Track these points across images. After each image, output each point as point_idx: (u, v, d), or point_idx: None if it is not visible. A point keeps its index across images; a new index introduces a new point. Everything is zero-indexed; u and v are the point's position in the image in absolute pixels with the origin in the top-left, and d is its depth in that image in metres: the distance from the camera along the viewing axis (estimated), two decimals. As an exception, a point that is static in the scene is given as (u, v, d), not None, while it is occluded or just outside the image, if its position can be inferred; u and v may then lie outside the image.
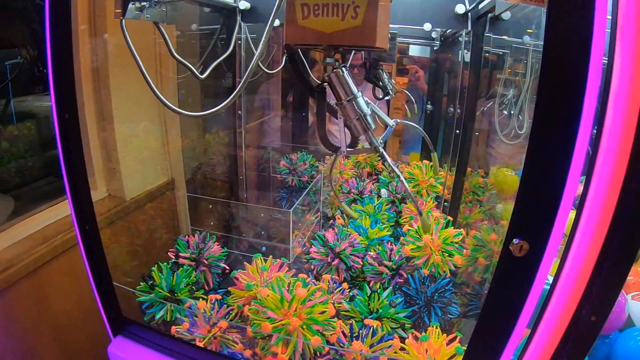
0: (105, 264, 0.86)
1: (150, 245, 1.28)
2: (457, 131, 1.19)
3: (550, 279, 0.55)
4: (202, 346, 0.84)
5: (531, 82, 1.05)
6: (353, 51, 0.77)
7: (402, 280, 0.97)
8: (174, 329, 0.88)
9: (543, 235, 0.51)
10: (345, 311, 0.90)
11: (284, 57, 1.32)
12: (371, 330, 0.82)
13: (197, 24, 1.27)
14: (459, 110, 1.20)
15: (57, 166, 0.78)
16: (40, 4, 0.67)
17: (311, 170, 1.49)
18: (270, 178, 1.57)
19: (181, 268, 1.02)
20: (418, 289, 0.94)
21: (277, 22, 1.03)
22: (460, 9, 1.05)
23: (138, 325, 0.91)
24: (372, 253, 1.04)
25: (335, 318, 0.82)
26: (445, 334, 0.81)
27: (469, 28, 1.06)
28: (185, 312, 0.91)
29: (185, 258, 1.06)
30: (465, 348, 0.63)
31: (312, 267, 1.05)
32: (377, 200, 1.29)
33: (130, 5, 0.71)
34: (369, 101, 0.70)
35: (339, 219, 1.28)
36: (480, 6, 1.01)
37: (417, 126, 0.94)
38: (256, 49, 0.65)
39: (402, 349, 0.81)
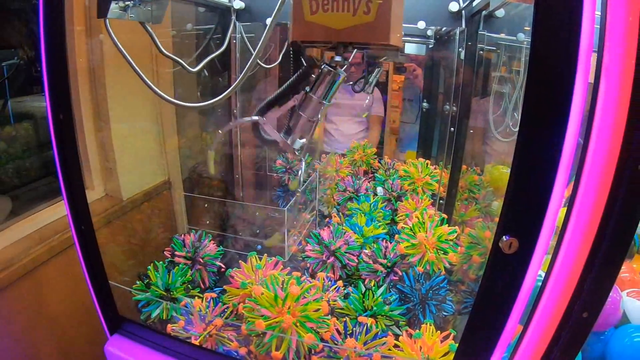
0: (101, 264, 0.87)
1: (146, 244, 1.29)
2: (452, 129, 1.19)
3: (543, 275, 0.56)
4: (198, 344, 0.85)
5: (525, 79, 1.05)
6: (355, 49, 0.69)
7: (396, 278, 0.97)
8: (170, 327, 0.89)
9: (533, 233, 0.51)
10: (340, 309, 0.90)
11: (281, 55, 1.32)
12: (365, 327, 0.82)
13: (192, 24, 1.27)
14: (454, 108, 1.20)
15: (54, 166, 0.78)
16: (37, 5, 0.67)
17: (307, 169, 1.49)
18: (266, 177, 1.57)
19: (177, 267, 1.03)
20: (412, 287, 0.94)
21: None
22: (454, 6, 1.04)
23: (134, 323, 0.92)
24: (367, 251, 1.04)
25: (330, 315, 0.82)
26: (439, 332, 0.81)
27: (463, 26, 1.06)
28: (181, 311, 0.91)
29: (181, 257, 1.06)
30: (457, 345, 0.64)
31: (308, 265, 1.05)
32: (373, 199, 1.30)
33: (112, 4, 0.69)
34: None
35: (334, 217, 1.28)
36: (474, 4, 1.00)
37: None
38: (252, 48, 0.65)
39: (396, 346, 0.81)
